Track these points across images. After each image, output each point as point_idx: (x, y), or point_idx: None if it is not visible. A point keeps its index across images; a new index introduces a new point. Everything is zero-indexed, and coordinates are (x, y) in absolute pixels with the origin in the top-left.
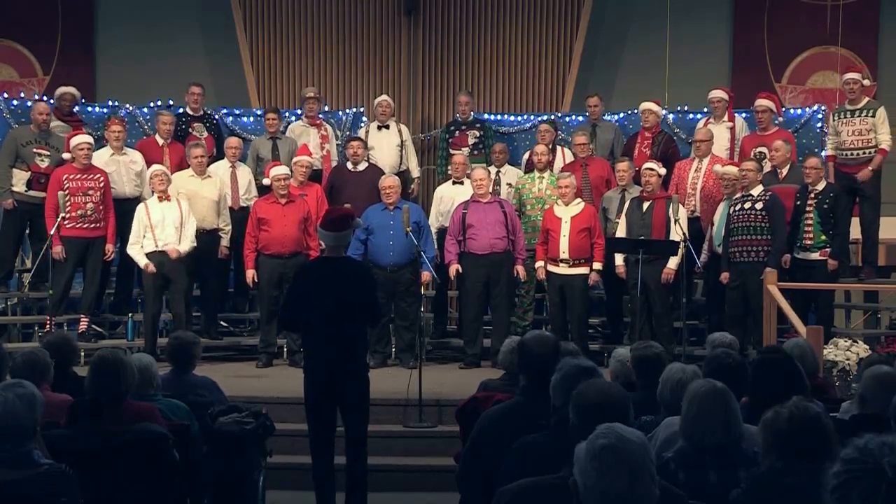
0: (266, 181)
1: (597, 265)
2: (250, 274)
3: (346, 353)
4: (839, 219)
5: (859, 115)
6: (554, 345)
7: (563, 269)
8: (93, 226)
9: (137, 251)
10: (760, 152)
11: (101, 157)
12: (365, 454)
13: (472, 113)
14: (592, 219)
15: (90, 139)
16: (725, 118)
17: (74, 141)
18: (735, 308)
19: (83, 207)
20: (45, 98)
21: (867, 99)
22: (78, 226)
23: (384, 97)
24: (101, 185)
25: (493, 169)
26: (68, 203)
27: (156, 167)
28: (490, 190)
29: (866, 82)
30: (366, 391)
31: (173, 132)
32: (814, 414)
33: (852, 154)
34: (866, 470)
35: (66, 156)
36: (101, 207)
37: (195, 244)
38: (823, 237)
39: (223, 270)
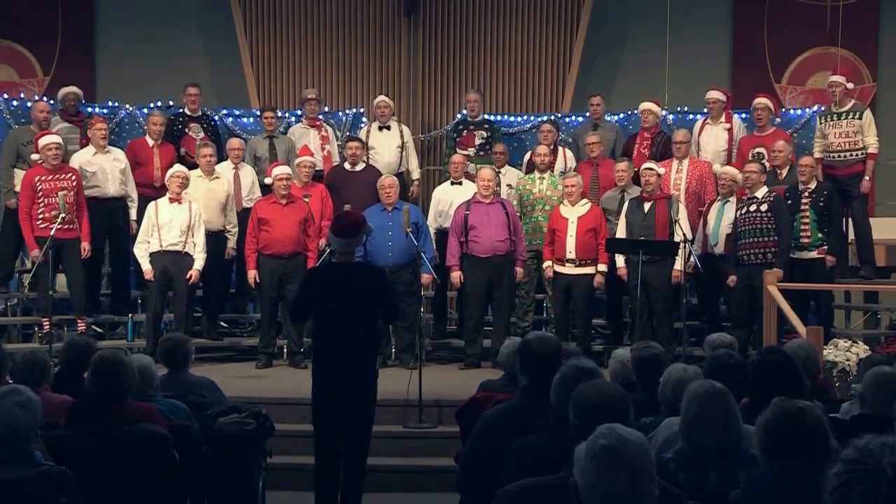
0: (268, 180)
1: (602, 267)
2: (252, 274)
3: (354, 357)
4: (834, 216)
5: (845, 118)
6: (556, 346)
7: (569, 269)
8: (66, 227)
9: (143, 252)
10: (759, 153)
11: (86, 156)
12: (364, 458)
13: (481, 113)
14: (598, 219)
15: (59, 139)
16: (723, 119)
17: (43, 141)
18: (741, 309)
19: (56, 208)
20: (45, 98)
21: (853, 101)
22: (51, 226)
23: (382, 98)
24: (74, 184)
25: None
26: (41, 203)
27: (177, 168)
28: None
29: (850, 85)
30: (372, 396)
31: (167, 132)
32: (799, 412)
33: (839, 156)
34: (867, 470)
35: (34, 157)
36: (73, 207)
37: (206, 254)
38: (820, 235)
39: (226, 271)
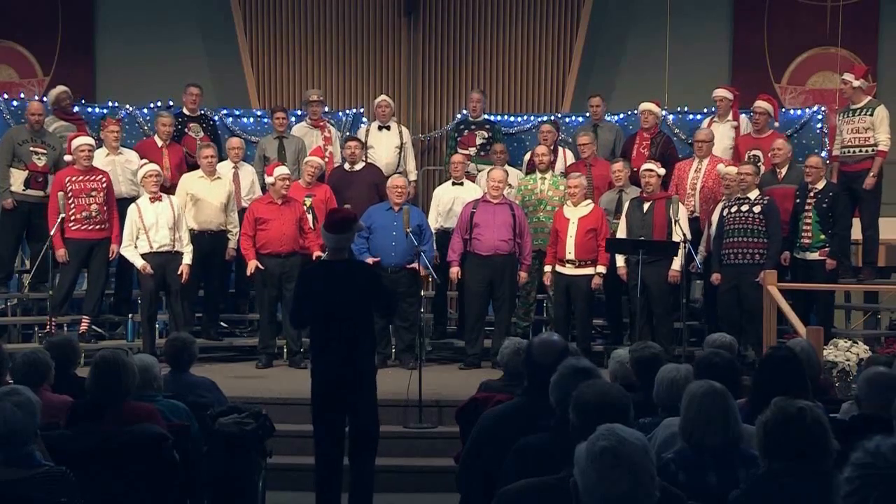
0: (269, 180)
1: (600, 268)
2: (252, 265)
3: (351, 355)
4: (838, 218)
5: (859, 114)
6: (559, 353)
7: (568, 270)
8: (98, 227)
9: (132, 253)
10: (755, 155)
11: (98, 158)
12: (373, 457)
13: (483, 113)
14: (599, 220)
15: (91, 140)
16: (730, 117)
17: (76, 143)
18: (728, 310)
19: (87, 209)
20: (43, 98)
21: (868, 98)
22: (83, 227)
23: (384, 97)
24: (104, 185)
25: None
26: (72, 204)
27: (150, 167)
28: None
29: (857, 83)
30: (373, 393)
31: (172, 133)
32: (799, 412)
33: (850, 151)
34: (881, 475)
35: (67, 158)
36: (104, 208)
37: (192, 246)
38: (822, 237)
39: (225, 272)
